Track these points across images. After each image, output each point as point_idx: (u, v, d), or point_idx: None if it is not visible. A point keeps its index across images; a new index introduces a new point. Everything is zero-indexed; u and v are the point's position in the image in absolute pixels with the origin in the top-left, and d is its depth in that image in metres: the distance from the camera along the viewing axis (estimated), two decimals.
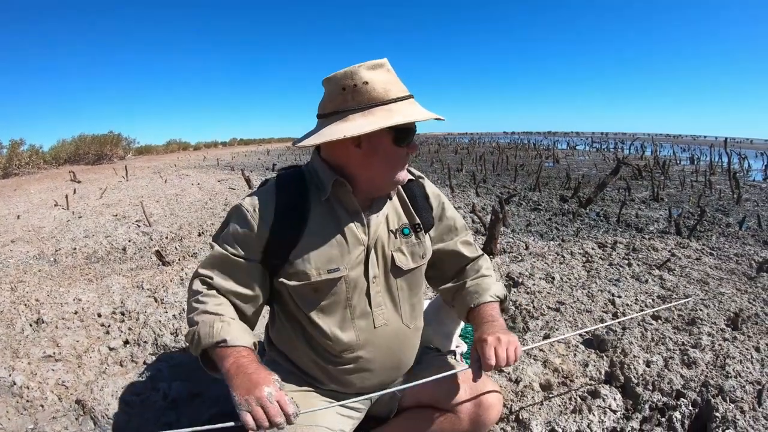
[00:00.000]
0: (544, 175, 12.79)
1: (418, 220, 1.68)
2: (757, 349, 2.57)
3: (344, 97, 1.43)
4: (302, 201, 1.55)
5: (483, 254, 1.86)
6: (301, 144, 1.51)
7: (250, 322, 1.63)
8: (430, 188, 1.77)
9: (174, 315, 2.74)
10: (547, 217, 7.17)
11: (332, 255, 1.53)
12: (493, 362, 1.48)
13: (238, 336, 1.43)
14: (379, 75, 1.44)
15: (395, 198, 1.67)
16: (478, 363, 1.53)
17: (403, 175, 1.57)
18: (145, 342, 2.47)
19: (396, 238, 1.63)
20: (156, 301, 2.94)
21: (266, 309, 1.75)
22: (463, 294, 1.75)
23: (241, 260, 1.53)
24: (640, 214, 7.37)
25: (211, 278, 1.53)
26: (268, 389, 1.30)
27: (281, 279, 1.55)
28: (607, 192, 9.37)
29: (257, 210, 1.52)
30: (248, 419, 1.26)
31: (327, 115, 1.47)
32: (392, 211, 1.65)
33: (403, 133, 1.47)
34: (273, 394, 1.30)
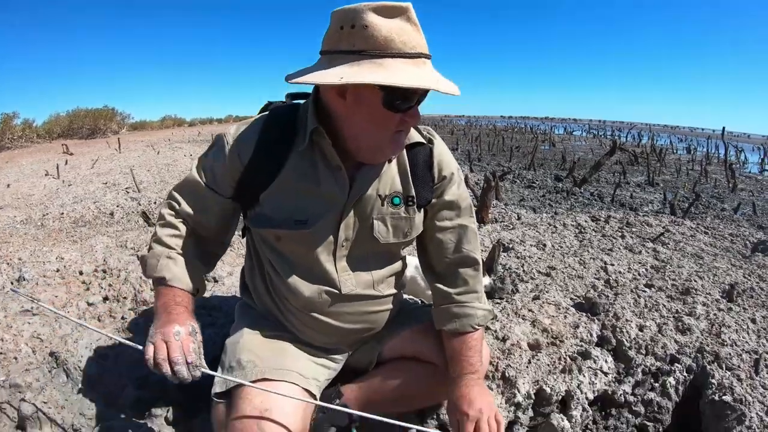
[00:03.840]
0: (540, 156, 12.66)
1: (412, 192, 1.47)
2: (753, 321, 2.47)
3: (339, 37, 1.22)
4: (285, 143, 1.40)
5: (479, 262, 1.59)
6: (287, 80, 1.35)
7: (211, 252, 1.59)
8: (439, 156, 1.50)
9: None
10: (541, 194, 7.06)
11: (301, 206, 1.40)
12: None
13: (179, 276, 1.41)
14: (387, 22, 1.19)
15: (394, 162, 1.46)
16: None
17: (395, 145, 1.35)
18: (124, 298, 2.38)
19: (383, 205, 1.45)
20: (139, 258, 2.82)
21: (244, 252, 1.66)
22: (444, 309, 1.55)
23: (211, 192, 1.46)
24: (635, 195, 7.29)
25: (179, 203, 1.48)
26: (178, 328, 1.29)
27: (248, 219, 1.49)
28: (603, 174, 9.27)
29: (237, 144, 1.41)
30: (148, 350, 1.26)
31: (322, 53, 1.28)
32: (387, 175, 1.45)
33: (396, 96, 1.22)
34: (181, 334, 1.28)
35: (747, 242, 4.28)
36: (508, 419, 1.81)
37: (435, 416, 1.79)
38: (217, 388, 1.39)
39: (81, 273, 2.51)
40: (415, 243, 1.62)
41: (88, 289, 2.39)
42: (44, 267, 2.55)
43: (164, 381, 1.86)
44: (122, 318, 2.23)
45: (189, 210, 1.47)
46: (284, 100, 1.57)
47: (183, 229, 1.48)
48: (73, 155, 12.11)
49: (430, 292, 1.67)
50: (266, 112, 1.47)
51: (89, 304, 2.26)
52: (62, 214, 5.00)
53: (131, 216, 4.98)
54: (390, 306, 1.60)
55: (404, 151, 1.46)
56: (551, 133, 23.91)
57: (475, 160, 11.18)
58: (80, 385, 1.80)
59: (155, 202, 5.51)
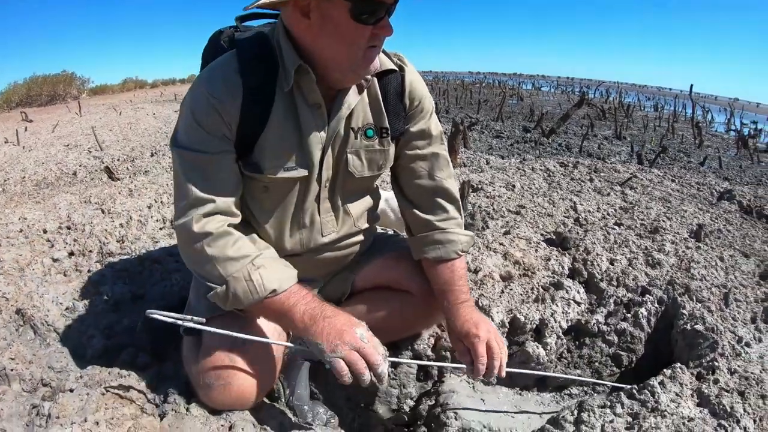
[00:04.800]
0: (508, 110, 12.61)
1: (386, 124, 1.37)
2: (721, 259, 2.47)
3: None
4: (270, 82, 1.24)
5: (454, 190, 1.51)
6: (245, 10, 1.20)
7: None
8: (410, 83, 1.39)
9: (120, 224, 2.56)
10: (509, 144, 7.04)
11: (290, 152, 1.28)
12: (485, 362, 1.34)
13: (283, 277, 1.25)
14: None
15: (365, 92, 1.35)
16: (468, 359, 1.39)
17: (368, 62, 1.21)
18: (90, 251, 2.31)
19: (356, 138, 1.36)
20: (103, 212, 2.74)
21: None
22: (425, 237, 1.48)
23: (223, 155, 1.24)
24: (603, 147, 7.32)
25: (210, 202, 1.22)
26: (360, 330, 1.15)
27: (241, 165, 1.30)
28: (570, 127, 9.30)
29: (224, 91, 1.21)
30: (341, 366, 1.11)
31: None
32: (359, 107, 1.34)
33: (365, 6, 1.10)
34: (364, 335, 1.15)
35: (713, 191, 4.31)
36: None
37: (409, 347, 1.75)
38: (186, 325, 1.30)
39: (45, 231, 2.45)
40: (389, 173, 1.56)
41: (52, 246, 2.32)
42: (7, 228, 2.47)
43: (131, 328, 1.82)
44: (88, 271, 2.17)
45: (224, 200, 1.24)
46: (235, 24, 1.41)
47: (233, 228, 1.26)
48: (33, 122, 11.70)
49: (400, 223, 1.61)
50: (233, 50, 1.28)
51: (54, 260, 2.20)
52: (24, 178, 4.97)
53: (95, 174, 4.96)
54: (365, 239, 1.57)
55: (375, 81, 1.36)
56: (519, 88, 23.83)
57: (442, 113, 11.08)
58: (48, 340, 1.74)
59: (118, 159, 5.55)
